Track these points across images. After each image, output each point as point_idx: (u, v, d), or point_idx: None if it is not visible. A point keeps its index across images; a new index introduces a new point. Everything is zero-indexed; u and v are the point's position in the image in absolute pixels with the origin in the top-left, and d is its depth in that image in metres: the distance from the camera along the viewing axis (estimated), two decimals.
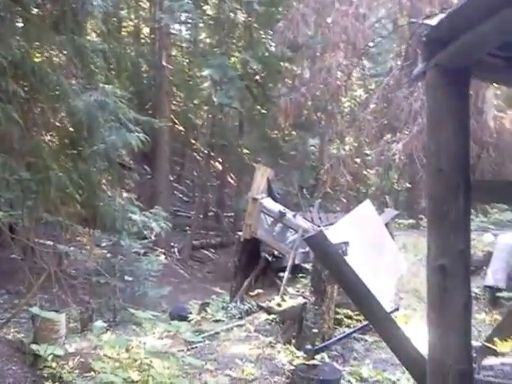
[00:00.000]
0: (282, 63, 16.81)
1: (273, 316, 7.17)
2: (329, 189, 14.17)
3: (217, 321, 8.06)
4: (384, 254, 8.35)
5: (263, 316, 7.34)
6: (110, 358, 5.62)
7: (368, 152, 15.27)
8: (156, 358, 5.13)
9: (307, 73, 16.94)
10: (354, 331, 5.57)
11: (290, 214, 8.77)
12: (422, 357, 3.09)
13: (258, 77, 16.94)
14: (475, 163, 14.09)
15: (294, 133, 19.19)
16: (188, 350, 6.84)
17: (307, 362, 4.59)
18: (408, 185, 15.52)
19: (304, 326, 6.11)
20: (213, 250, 18.36)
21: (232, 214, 21.06)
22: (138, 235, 9.34)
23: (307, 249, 8.34)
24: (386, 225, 9.55)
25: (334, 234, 7.28)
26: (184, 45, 20.33)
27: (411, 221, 12.34)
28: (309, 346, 4.71)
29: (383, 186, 15.25)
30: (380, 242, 8.23)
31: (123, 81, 16.09)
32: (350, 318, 6.57)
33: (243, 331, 7.13)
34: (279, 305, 7.57)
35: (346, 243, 6.26)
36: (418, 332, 6.11)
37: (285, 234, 8.58)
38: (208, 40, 19.60)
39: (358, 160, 15.94)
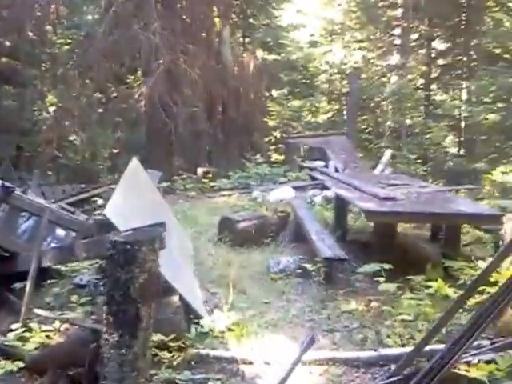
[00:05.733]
0: None
1: (18, 364, 3.98)
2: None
3: None
4: (171, 230, 5.86)
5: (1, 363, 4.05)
6: None
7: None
8: None
9: None
10: None
11: (18, 190, 5.42)
12: None
13: None
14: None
15: None
16: None
17: None
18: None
19: None
20: None
21: None
22: None
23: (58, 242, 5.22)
24: None
25: (119, 212, 4.48)
26: None
27: (165, 184, 9.99)
28: None
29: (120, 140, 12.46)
30: (163, 216, 5.70)
31: None
32: (166, 348, 3.90)
33: None
34: (24, 339, 4.34)
35: (163, 225, 3.52)
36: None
37: (15, 220, 5.21)
38: None
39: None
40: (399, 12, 17.96)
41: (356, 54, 19.49)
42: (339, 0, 19.89)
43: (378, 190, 6.72)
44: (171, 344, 3.93)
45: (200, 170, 11.12)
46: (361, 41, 19.54)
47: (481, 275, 3.22)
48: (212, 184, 10.61)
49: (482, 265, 4.63)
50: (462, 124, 17.00)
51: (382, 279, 4.79)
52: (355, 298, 5.04)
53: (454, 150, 17.00)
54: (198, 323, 4.25)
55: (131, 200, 5.04)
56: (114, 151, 14.47)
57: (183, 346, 3.95)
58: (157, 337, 3.86)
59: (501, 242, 4.93)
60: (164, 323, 4.03)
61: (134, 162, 5.89)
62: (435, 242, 7.03)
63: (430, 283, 4.59)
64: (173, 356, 3.84)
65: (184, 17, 12.68)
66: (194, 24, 12.74)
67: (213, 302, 4.96)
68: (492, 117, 15.36)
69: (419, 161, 14.35)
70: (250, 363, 3.83)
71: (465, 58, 17.33)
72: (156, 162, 10.83)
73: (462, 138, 17.15)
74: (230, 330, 4.28)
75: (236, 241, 6.81)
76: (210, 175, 10.81)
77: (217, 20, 14.35)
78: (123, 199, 4.89)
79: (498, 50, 16.83)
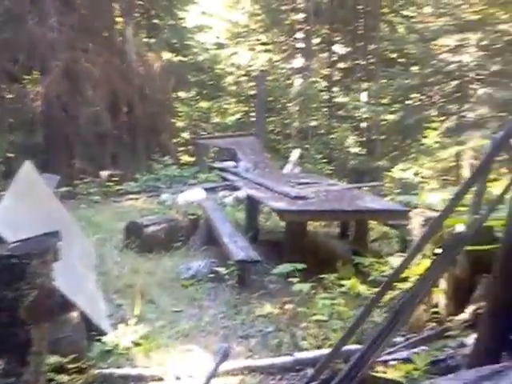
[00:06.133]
0: None
1: None
2: None
3: None
4: (70, 238, 5.42)
5: None
6: None
7: None
8: None
9: None
10: None
11: None
12: None
13: None
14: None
15: None
16: None
17: None
18: None
19: None
20: None
21: None
22: None
23: None
24: None
25: (7, 221, 4.01)
26: None
27: (66, 188, 9.32)
28: None
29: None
30: (60, 224, 5.25)
31: None
32: (64, 371, 3.51)
33: None
34: None
35: (57, 234, 3.15)
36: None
37: None
38: None
39: None
40: (301, 16, 18.30)
41: (262, 56, 19.62)
42: (243, 3, 19.92)
43: (288, 189, 6.68)
44: (70, 366, 3.54)
45: (104, 173, 10.54)
46: (266, 43, 19.70)
47: (396, 271, 3.17)
48: (118, 187, 10.08)
49: (392, 260, 4.68)
50: (363, 125, 17.65)
51: (295, 279, 4.71)
52: (269, 300, 4.91)
53: (356, 150, 17.59)
54: (101, 340, 3.88)
55: (22, 208, 4.56)
56: (9, 155, 13.38)
57: (84, 366, 3.58)
58: (53, 359, 3.47)
59: (409, 238, 5.02)
60: (61, 343, 3.64)
61: (27, 166, 5.38)
62: (344, 239, 7.12)
63: (342, 281, 4.56)
64: (72, 379, 3.46)
65: (83, 13, 12.00)
66: (94, 21, 12.11)
67: (118, 314, 4.59)
68: (391, 117, 16.09)
69: (325, 160, 14.68)
70: (160, 379, 3.55)
71: (364, 62, 18.01)
72: (56, 166, 10.14)
73: (363, 138, 17.78)
74: (137, 344, 3.95)
75: (144, 246, 6.45)
76: (116, 178, 10.27)
77: (120, 20, 13.80)
78: (13, 207, 4.41)
79: (394, 55, 17.69)
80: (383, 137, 16.93)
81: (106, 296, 4.89)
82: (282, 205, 5.92)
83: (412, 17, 17.03)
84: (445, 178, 12.65)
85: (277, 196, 6.42)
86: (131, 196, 9.75)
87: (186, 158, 15.25)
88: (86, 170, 10.39)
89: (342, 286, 4.54)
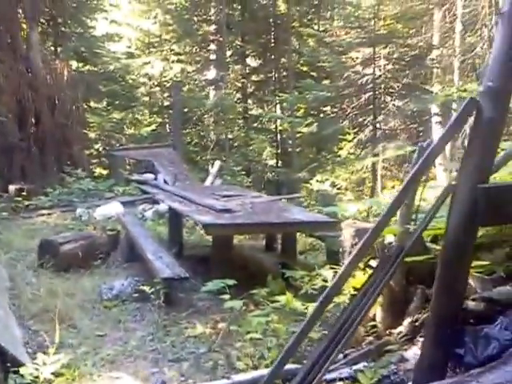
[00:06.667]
0: None
1: None
2: None
3: None
4: None
5: None
6: None
7: None
8: None
9: None
10: None
11: None
12: None
13: None
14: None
15: None
16: None
17: None
18: None
19: None
20: None
21: None
22: None
23: None
24: None
25: None
26: None
27: None
28: None
29: None
30: None
31: None
32: None
33: None
34: None
35: None
36: None
37: None
38: None
39: None
40: (214, 27, 18.30)
41: (175, 66, 19.35)
42: (155, 12, 19.57)
43: (213, 201, 6.53)
44: None
45: (12, 188, 9.82)
46: (179, 54, 19.46)
47: (334, 285, 3.11)
48: (28, 203, 9.38)
49: (324, 273, 4.65)
50: (278, 137, 17.87)
51: (226, 296, 4.55)
52: (200, 319, 4.72)
53: (273, 162, 17.78)
54: (17, 372, 3.49)
55: None
56: None
57: None
58: None
59: (339, 249, 5.03)
60: None
61: None
62: (271, 252, 7.07)
63: (275, 297, 4.45)
64: None
65: None
66: None
67: (35, 342, 4.20)
68: (305, 130, 16.42)
69: (244, 172, 14.68)
70: None
71: (276, 75, 18.28)
72: None
73: (279, 150, 18.00)
74: (59, 374, 3.60)
75: (60, 266, 6.03)
76: (25, 193, 9.57)
77: (24, 26, 13.00)
78: None
79: (306, 68, 18.16)
80: (299, 149, 17.24)
81: (20, 322, 4.49)
82: (207, 218, 5.75)
83: (323, 30, 17.56)
84: (359, 188, 13.09)
85: (201, 209, 6.25)
86: (43, 211, 9.11)
87: (100, 171, 14.62)
88: None
89: (274, 301, 4.43)
